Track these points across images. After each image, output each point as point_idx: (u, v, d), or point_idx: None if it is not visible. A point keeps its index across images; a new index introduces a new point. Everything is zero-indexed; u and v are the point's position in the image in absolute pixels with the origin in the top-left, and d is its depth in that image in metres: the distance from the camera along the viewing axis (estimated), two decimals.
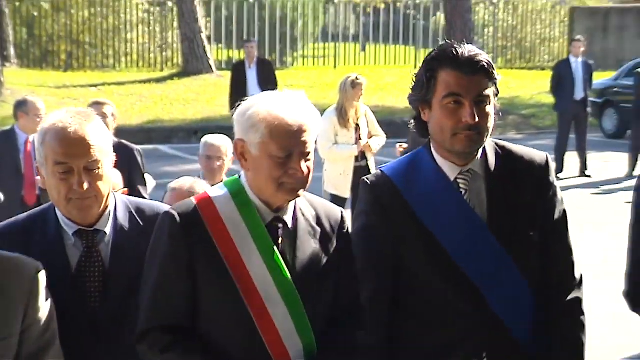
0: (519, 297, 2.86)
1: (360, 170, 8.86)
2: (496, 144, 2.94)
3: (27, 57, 25.71)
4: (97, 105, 6.49)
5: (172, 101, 21.24)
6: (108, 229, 2.86)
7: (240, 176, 2.80)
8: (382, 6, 30.25)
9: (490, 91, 2.79)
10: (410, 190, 2.88)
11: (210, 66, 23.99)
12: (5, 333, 2.52)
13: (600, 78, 18.76)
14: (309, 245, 2.77)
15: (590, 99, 16.30)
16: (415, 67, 28.33)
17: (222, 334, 2.67)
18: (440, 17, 24.55)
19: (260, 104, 2.69)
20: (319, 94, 19.06)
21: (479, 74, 2.74)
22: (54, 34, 26.30)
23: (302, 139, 2.65)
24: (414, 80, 2.88)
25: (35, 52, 25.95)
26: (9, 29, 24.66)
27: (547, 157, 2.99)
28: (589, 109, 15.74)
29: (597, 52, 20.16)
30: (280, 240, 2.73)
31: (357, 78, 9.31)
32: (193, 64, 23.99)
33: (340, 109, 9.04)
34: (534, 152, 2.99)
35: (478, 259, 2.82)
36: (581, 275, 3.05)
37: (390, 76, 23.55)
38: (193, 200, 2.78)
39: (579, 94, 14.50)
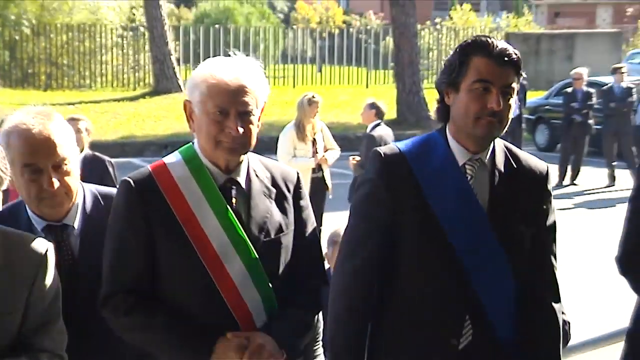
0: (503, 285, 2.76)
1: (317, 180, 8.89)
2: (505, 145, 2.87)
3: (10, 78, 25.42)
4: (72, 120, 6.27)
5: (144, 118, 21.07)
6: (77, 223, 2.75)
7: (193, 143, 2.70)
8: (337, 31, 30.38)
9: (515, 84, 2.70)
10: (420, 166, 2.77)
11: (179, 86, 23.85)
12: (10, 308, 2.44)
13: (533, 97, 19.06)
14: (263, 205, 2.67)
15: (525, 115, 16.58)
16: (367, 86, 28.26)
17: (182, 292, 2.59)
18: (389, 41, 24.67)
19: (205, 66, 2.61)
20: (279, 111, 19.04)
21: (509, 66, 2.66)
22: (35, 56, 26.03)
23: (242, 98, 2.55)
24: (445, 65, 2.80)
25: (17, 73, 25.66)
26: None
27: (547, 167, 2.93)
28: (523, 125, 15.96)
29: (530, 73, 20.40)
30: (234, 200, 2.63)
31: (313, 97, 9.32)
32: (163, 83, 23.83)
33: (299, 125, 9.07)
34: (538, 161, 2.92)
35: (471, 240, 2.72)
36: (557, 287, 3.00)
37: (344, 95, 23.59)
38: (148, 167, 2.69)
39: (514, 112, 14.65)
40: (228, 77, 2.54)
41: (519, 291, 2.75)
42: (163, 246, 2.59)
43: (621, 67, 15.40)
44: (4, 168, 2.36)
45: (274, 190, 2.72)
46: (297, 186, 2.78)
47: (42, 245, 2.54)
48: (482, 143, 2.72)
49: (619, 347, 3.77)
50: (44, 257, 2.54)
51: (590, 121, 14.69)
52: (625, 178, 14.83)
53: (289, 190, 2.75)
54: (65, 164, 2.63)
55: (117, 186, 2.82)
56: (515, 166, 2.79)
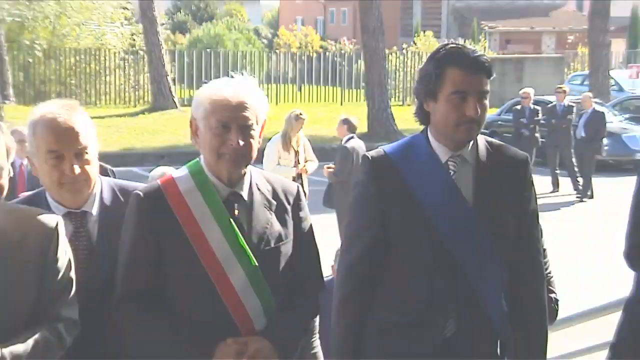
0: (492, 271, 2.66)
1: None
2: (486, 139, 2.78)
3: (24, 96, 25.34)
4: None
5: (143, 131, 20.99)
6: (95, 210, 2.66)
7: (200, 159, 2.62)
8: (315, 55, 30.47)
9: (488, 87, 2.63)
10: (405, 165, 2.69)
11: (175, 103, 23.87)
12: (27, 280, 2.39)
13: (487, 114, 19.17)
14: (264, 216, 2.58)
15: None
16: (341, 104, 28.25)
17: (186, 298, 2.51)
18: (361, 64, 24.77)
19: (209, 86, 2.56)
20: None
21: (481, 73, 2.59)
22: (46, 77, 26.02)
23: (242, 113, 2.48)
24: (420, 74, 2.69)
25: (30, 92, 25.61)
26: (8, 73, 24.46)
27: (527, 157, 2.84)
28: None
29: None
30: (236, 212, 2.55)
31: (300, 114, 9.40)
32: (160, 101, 23.81)
33: (285, 136, 9.11)
34: (518, 151, 2.84)
35: (458, 231, 2.61)
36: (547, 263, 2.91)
37: (321, 111, 23.62)
38: (158, 181, 2.63)
39: None
40: (229, 93, 2.48)
41: (507, 276, 2.66)
42: (170, 254, 2.52)
43: (563, 88, 15.72)
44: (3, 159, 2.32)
45: (274, 202, 2.63)
46: (297, 198, 2.69)
47: (52, 218, 2.50)
48: (462, 145, 2.66)
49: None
50: (55, 230, 2.49)
51: (537, 135, 14.89)
52: (566, 185, 15.04)
53: (289, 203, 2.65)
54: (86, 153, 2.58)
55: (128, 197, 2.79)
56: (497, 159, 2.71)
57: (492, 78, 2.64)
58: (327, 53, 31.17)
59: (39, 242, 2.42)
